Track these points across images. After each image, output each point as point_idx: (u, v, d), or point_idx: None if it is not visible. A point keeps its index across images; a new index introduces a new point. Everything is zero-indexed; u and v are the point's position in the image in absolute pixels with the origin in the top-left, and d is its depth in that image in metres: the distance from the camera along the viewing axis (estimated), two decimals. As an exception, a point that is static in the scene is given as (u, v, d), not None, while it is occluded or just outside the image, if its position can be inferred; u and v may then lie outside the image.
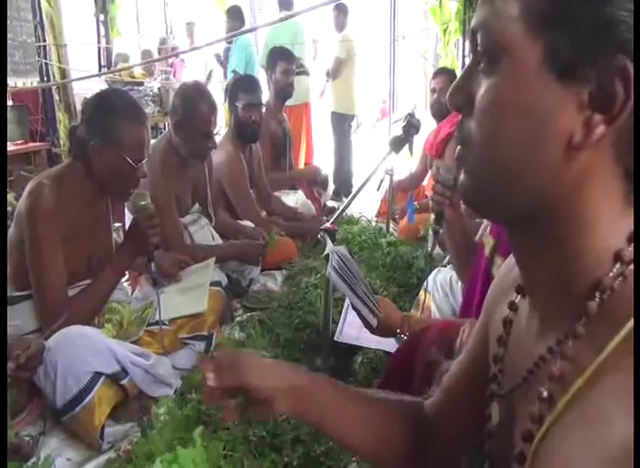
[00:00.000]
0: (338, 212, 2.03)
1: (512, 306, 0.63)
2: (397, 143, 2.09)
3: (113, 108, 1.80)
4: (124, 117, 1.78)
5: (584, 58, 0.45)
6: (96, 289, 1.84)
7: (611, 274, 0.48)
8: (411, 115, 2.13)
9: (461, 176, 0.55)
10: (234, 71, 4.94)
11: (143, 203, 1.81)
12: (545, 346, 0.53)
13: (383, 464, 0.83)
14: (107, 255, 1.91)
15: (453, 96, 0.54)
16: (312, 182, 3.83)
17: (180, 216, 2.50)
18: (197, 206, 2.70)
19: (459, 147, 0.55)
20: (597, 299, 0.48)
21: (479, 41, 0.51)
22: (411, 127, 2.09)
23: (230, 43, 5.50)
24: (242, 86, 3.06)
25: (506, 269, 0.72)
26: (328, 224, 1.92)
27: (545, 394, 0.50)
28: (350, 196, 2.04)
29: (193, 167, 2.58)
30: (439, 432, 0.78)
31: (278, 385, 0.75)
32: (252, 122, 3.00)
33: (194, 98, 2.44)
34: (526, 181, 0.50)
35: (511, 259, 0.71)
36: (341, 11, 5.09)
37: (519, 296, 0.62)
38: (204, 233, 2.60)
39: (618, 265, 0.48)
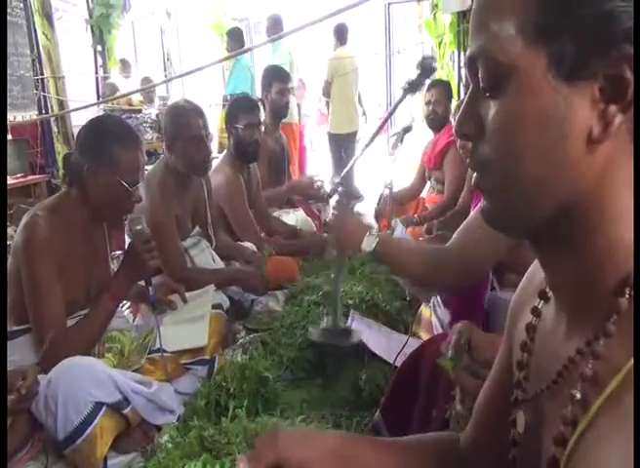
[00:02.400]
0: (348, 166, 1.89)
1: (535, 311, 0.62)
2: (412, 86, 1.92)
3: (106, 132, 1.81)
4: (117, 140, 1.79)
5: (591, 56, 0.45)
6: (94, 317, 1.82)
7: None
8: (424, 57, 1.93)
9: (483, 203, 0.55)
10: (243, 93, 4.89)
11: (139, 227, 1.82)
12: (575, 347, 0.51)
13: None
14: (106, 284, 1.90)
15: (461, 125, 0.54)
16: (307, 196, 3.78)
17: (180, 240, 2.49)
18: (197, 229, 2.69)
19: (475, 174, 0.55)
20: (627, 296, 0.47)
21: (481, 67, 0.51)
22: (425, 69, 1.88)
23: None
24: (241, 106, 3.07)
25: (526, 281, 0.71)
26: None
27: (579, 395, 0.48)
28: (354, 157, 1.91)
29: (192, 188, 2.57)
30: (476, 461, 0.77)
31: (313, 454, 0.72)
32: (253, 141, 2.99)
33: (180, 112, 2.47)
34: (552, 188, 0.49)
35: (531, 270, 0.70)
36: (335, 33, 5.14)
37: (542, 302, 0.62)
38: (204, 256, 2.59)
39: None
